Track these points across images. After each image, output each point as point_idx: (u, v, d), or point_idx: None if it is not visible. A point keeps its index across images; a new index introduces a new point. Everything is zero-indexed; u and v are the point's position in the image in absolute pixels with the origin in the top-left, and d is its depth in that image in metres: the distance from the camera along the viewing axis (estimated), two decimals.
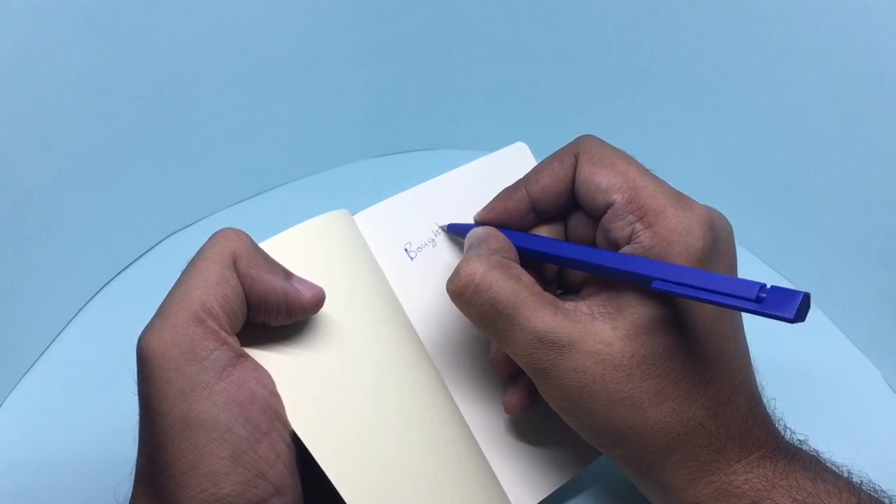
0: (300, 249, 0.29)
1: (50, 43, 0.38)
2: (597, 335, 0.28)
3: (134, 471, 0.25)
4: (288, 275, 0.27)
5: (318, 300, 0.27)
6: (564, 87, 0.52)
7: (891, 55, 0.36)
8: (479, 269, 0.28)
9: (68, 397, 0.41)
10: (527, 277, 0.29)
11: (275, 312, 0.27)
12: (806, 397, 0.31)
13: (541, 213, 0.32)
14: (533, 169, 0.32)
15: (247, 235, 0.27)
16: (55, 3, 0.38)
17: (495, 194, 0.33)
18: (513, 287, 0.28)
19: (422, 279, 0.34)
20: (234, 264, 0.26)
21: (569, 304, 0.29)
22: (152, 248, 0.49)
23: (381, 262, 0.33)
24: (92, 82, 0.41)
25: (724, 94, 0.45)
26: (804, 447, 0.29)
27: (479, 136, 0.56)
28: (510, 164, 0.36)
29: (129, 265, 0.48)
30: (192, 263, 0.26)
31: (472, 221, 0.34)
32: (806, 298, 0.23)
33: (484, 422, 0.33)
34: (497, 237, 0.31)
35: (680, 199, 0.29)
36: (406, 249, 0.34)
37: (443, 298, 0.34)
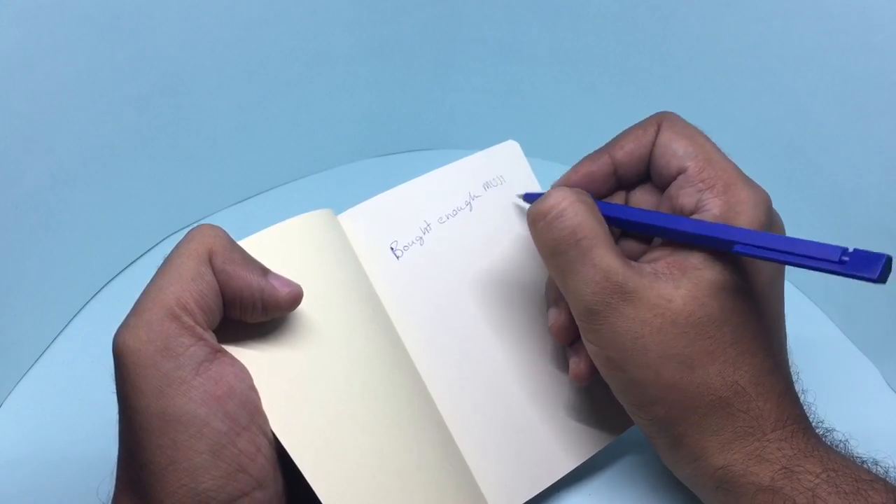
0: (279, 248, 0.30)
1: (50, 43, 0.38)
2: (659, 290, 0.28)
3: (115, 469, 0.25)
4: (264, 271, 0.27)
5: (295, 297, 0.27)
6: (563, 87, 0.52)
7: (891, 55, 0.36)
8: (569, 198, 0.29)
9: (68, 397, 0.41)
10: (605, 224, 0.30)
11: (251, 309, 0.27)
12: (805, 397, 0.31)
13: (620, 179, 0.33)
14: (615, 137, 0.33)
15: (223, 231, 0.27)
16: (55, 4, 0.38)
17: (485, 192, 0.34)
18: (594, 223, 0.29)
19: (408, 278, 0.33)
20: (210, 260, 0.26)
21: (634, 263, 0.29)
22: (152, 248, 0.49)
23: (366, 261, 0.33)
24: (92, 82, 0.41)
25: (724, 94, 0.45)
26: (828, 437, 0.30)
27: (478, 136, 0.55)
28: (500, 162, 0.36)
29: (129, 265, 0.48)
30: (167, 260, 0.26)
31: (464, 223, 0.34)
32: (889, 260, 0.24)
33: (464, 423, 0.33)
34: (579, 190, 0.31)
35: (747, 178, 0.30)
36: (392, 248, 0.33)
37: (429, 297, 0.34)
